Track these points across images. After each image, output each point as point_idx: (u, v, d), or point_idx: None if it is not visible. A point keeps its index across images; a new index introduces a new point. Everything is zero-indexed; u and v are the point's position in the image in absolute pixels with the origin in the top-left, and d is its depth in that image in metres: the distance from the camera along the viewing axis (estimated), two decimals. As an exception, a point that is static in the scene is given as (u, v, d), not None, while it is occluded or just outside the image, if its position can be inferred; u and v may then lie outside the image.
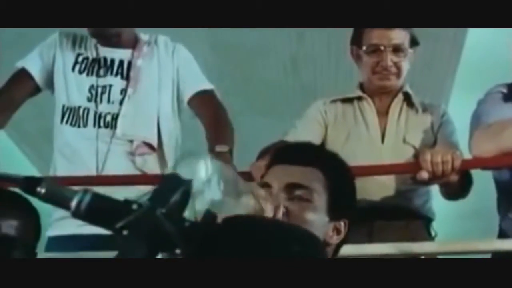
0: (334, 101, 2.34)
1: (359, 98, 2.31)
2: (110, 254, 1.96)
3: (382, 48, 2.20)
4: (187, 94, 2.24)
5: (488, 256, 2.07)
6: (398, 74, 2.24)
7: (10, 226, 1.50)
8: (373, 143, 2.22)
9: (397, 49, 2.21)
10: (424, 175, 1.91)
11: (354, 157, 1.91)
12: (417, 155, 2.06)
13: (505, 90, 2.10)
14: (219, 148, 2.01)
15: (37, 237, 1.58)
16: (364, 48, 2.24)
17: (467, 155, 2.04)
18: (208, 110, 2.21)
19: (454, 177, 1.96)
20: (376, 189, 2.14)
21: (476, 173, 2.13)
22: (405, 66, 2.25)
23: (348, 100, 2.33)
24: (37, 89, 2.26)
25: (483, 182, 2.15)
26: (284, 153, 1.48)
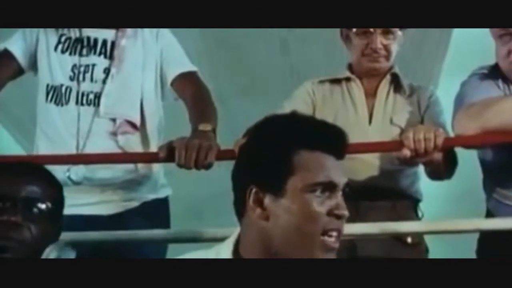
0: (322, 81, 2.34)
1: (348, 79, 2.31)
2: (93, 234, 1.96)
3: (371, 30, 2.19)
4: (170, 76, 2.23)
5: (474, 237, 2.09)
6: (387, 57, 2.24)
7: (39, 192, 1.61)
8: (360, 124, 2.22)
9: (386, 32, 2.20)
10: (406, 152, 1.90)
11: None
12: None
13: (486, 71, 2.10)
14: (202, 127, 2.00)
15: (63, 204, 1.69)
16: (354, 30, 2.23)
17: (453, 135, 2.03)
18: (191, 91, 2.20)
19: (437, 156, 1.96)
20: (363, 169, 2.14)
21: (463, 154, 2.12)
22: (395, 48, 2.25)
23: (336, 81, 2.33)
24: (20, 71, 2.25)
25: (471, 163, 2.14)
26: (331, 142, 1.41)
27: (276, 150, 1.38)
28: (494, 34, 2.04)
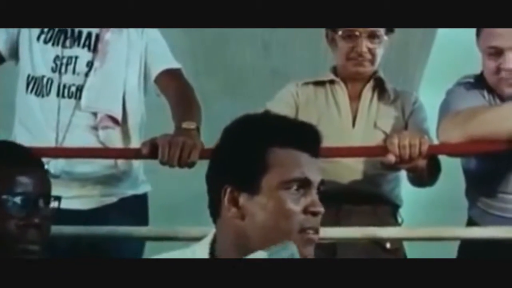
0: (306, 83, 2.33)
1: (332, 82, 2.30)
2: (71, 229, 1.94)
3: (357, 33, 2.18)
4: (154, 71, 2.21)
5: (454, 244, 2.09)
6: (372, 61, 2.23)
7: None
8: (344, 127, 2.22)
9: (372, 36, 2.19)
10: (391, 158, 1.90)
11: (324, 141, 1.89)
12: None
13: (472, 80, 2.11)
14: (186, 125, 1.98)
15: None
16: (339, 33, 2.22)
17: (437, 142, 2.04)
18: (175, 88, 2.18)
19: (421, 163, 1.96)
20: (344, 173, 2.13)
21: (445, 161, 2.13)
22: (380, 52, 2.24)
23: (320, 83, 2.31)
24: (0, 59, 2.21)
25: (452, 171, 2.15)
26: (305, 139, 1.39)
27: (250, 148, 1.37)
28: (482, 48, 2.04)
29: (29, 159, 1.57)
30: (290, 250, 1.33)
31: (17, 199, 1.49)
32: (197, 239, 1.54)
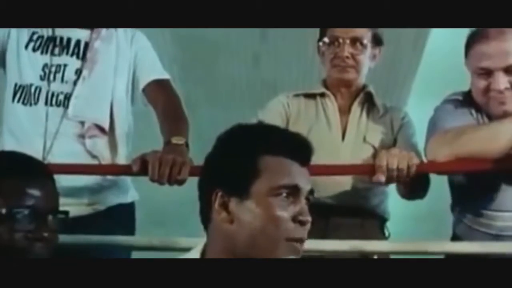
0: (297, 95, 2.33)
1: (322, 95, 2.30)
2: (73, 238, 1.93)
3: (340, 40, 2.20)
4: (142, 81, 2.20)
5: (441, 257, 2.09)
6: (356, 68, 2.23)
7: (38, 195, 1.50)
8: (333, 140, 2.22)
9: (355, 42, 2.21)
10: (381, 178, 1.91)
11: (314, 154, 1.90)
12: (375, 156, 2.03)
13: (461, 98, 2.11)
14: (175, 140, 1.97)
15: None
16: (325, 40, 2.25)
17: (425, 158, 2.04)
18: (163, 99, 2.17)
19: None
20: (332, 186, 2.13)
21: (431, 176, 2.13)
22: (364, 60, 2.25)
23: (311, 96, 2.32)
24: None
25: (438, 185, 2.15)
26: (296, 149, 1.41)
27: (242, 154, 1.39)
28: (471, 69, 2.04)
29: (40, 171, 1.55)
30: None
31: (27, 212, 1.47)
32: (186, 249, 1.53)
